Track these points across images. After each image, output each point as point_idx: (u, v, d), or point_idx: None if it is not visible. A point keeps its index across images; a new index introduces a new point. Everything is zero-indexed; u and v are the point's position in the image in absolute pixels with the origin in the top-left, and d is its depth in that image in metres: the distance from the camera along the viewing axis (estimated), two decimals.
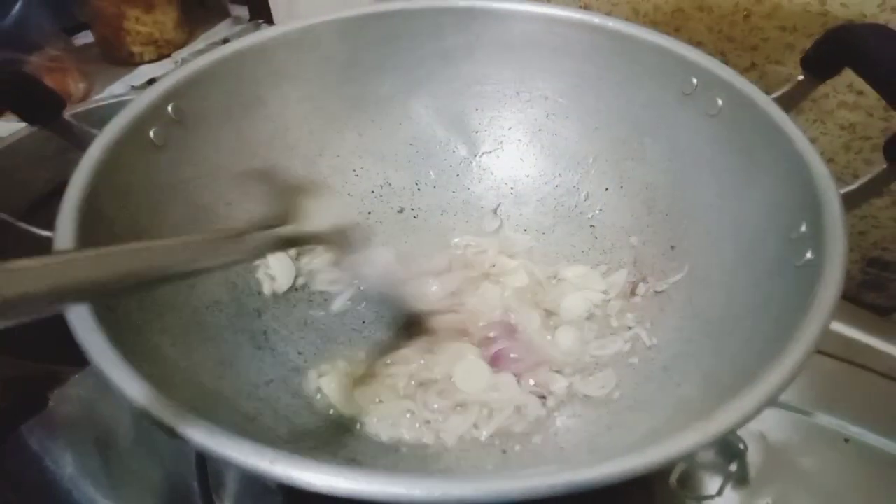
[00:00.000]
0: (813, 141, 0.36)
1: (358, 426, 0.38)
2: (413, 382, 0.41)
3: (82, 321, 0.29)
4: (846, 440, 0.45)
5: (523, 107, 0.52)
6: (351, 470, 0.24)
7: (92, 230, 0.33)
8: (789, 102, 0.41)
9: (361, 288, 0.47)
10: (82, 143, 0.37)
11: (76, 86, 0.73)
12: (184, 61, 0.80)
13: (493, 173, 0.53)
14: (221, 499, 0.41)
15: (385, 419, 0.39)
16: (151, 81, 0.74)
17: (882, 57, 0.35)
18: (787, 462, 0.43)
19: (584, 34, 0.47)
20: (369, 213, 0.52)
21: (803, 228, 0.34)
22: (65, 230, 0.32)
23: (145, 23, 0.78)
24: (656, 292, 0.44)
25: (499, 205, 0.52)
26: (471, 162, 0.54)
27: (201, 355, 0.37)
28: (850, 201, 0.35)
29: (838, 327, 0.51)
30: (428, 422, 0.39)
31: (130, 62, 0.80)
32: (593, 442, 0.35)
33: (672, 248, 0.44)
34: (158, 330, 0.35)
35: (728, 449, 0.43)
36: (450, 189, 0.53)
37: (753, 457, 0.43)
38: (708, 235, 0.42)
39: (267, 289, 0.46)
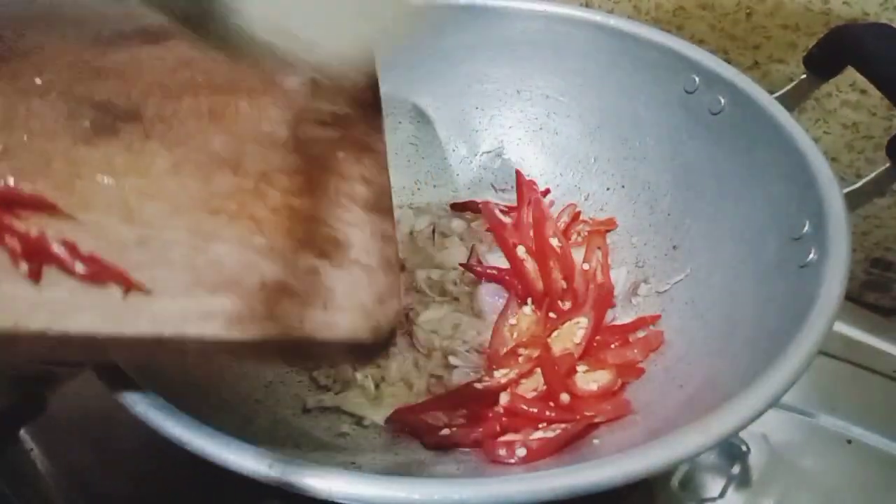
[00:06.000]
0: (815, 140, 0.36)
1: (357, 428, 0.38)
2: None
3: None
4: (849, 441, 0.44)
5: (524, 106, 0.52)
6: (350, 474, 0.24)
7: None
8: (792, 101, 0.41)
9: None
10: None
11: None
12: None
13: (493, 173, 0.53)
14: (219, 500, 0.40)
15: None
16: None
17: (885, 56, 0.35)
18: (789, 464, 0.43)
19: (585, 32, 0.47)
20: None
21: (806, 228, 0.34)
22: None
23: None
24: (658, 293, 0.43)
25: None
26: (471, 161, 0.54)
27: None
28: (853, 201, 0.35)
29: (841, 328, 0.51)
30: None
31: None
32: (593, 444, 0.35)
33: (674, 248, 0.44)
34: None
35: (730, 451, 0.43)
36: (450, 189, 0.53)
37: (756, 458, 0.43)
38: (710, 235, 0.42)
39: None
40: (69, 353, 0.22)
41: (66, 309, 0.21)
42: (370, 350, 0.25)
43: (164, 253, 0.23)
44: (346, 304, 0.24)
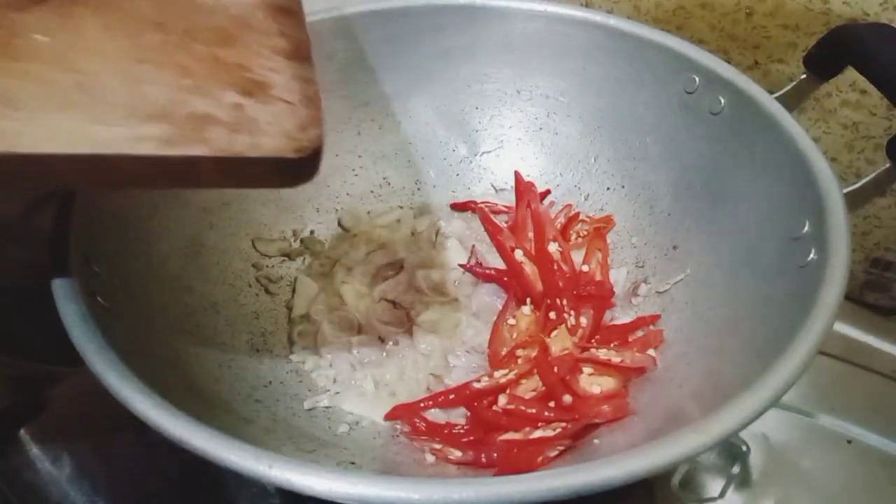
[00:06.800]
0: (815, 140, 0.36)
1: (356, 428, 0.38)
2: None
3: (79, 323, 0.28)
4: (849, 441, 0.44)
5: (524, 105, 0.52)
6: (350, 474, 0.24)
7: (89, 227, 0.33)
8: (792, 101, 0.41)
9: None
10: None
11: None
12: None
13: (493, 173, 0.53)
14: (219, 500, 0.40)
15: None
16: None
17: (885, 56, 0.35)
18: (789, 464, 0.43)
19: (585, 32, 0.47)
20: (368, 212, 0.52)
21: (806, 228, 0.33)
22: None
23: None
24: (658, 293, 0.43)
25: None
26: (471, 161, 0.54)
27: (199, 357, 0.37)
28: (853, 201, 0.35)
29: (841, 328, 0.51)
30: None
31: None
32: (593, 444, 0.35)
33: (674, 248, 0.44)
34: (156, 332, 0.35)
35: (730, 451, 0.43)
36: (450, 189, 0.53)
37: (756, 458, 0.43)
38: (710, 235, 0.42)
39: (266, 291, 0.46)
40: (25, 179, 0.25)
41: (15, 135, 0.24)
42: (296, 169, 0.28)
43: (100, 94, 0.27)
44: (270, 130, 0.28)
